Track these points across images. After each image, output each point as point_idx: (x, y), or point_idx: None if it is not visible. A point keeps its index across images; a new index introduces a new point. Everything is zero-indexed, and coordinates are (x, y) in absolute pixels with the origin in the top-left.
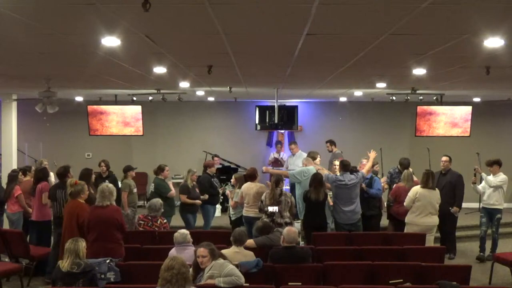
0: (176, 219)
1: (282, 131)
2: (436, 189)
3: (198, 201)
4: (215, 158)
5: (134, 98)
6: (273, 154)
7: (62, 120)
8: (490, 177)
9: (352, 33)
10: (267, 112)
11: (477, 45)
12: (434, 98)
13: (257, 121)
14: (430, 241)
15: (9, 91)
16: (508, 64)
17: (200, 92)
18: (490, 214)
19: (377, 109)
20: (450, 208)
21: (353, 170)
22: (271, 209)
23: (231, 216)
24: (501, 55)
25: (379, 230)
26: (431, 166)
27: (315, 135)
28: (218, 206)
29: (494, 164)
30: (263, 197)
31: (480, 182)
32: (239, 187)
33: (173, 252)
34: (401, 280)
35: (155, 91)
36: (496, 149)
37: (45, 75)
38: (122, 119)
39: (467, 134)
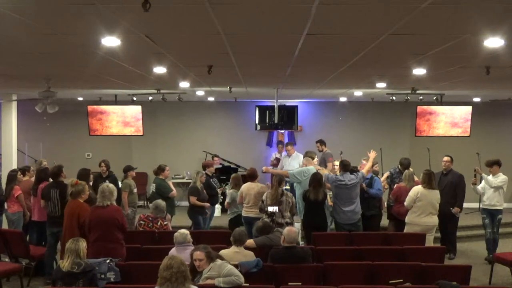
0: (177, 219)
1: (282, 131)
2: (436, 189)
3: (207, 204)
4: (215, 158)
5: (134, 98)
6: (274, 154)
7: (62, 120)
8: (490, 178)
9: (352, 33)
10: (267, 112)
11: (477, 45)
12: (434, 98)
13: (257, 121)
14: (430, 241)
15: (9, 91)
16: (508, 64)
17: (200, 92)
18: (492, 215)
19: (377, 109)
20: (451, 208)
21: (353, 170)
22: (271, 209)
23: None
24: (501, 55)
25: (379, 230)
26: (431, 166)
27: (315, 135)
28: (218, 206)
29: (494, 165)
30: (264, 197)
31: (480, 183)
32: (233, 187)
33: (173, 252)
34: (401, 280)
35: (155, 91)
36: (496, 149)
37: (45, 75)
38: (122, 119)
39: (467, 134)
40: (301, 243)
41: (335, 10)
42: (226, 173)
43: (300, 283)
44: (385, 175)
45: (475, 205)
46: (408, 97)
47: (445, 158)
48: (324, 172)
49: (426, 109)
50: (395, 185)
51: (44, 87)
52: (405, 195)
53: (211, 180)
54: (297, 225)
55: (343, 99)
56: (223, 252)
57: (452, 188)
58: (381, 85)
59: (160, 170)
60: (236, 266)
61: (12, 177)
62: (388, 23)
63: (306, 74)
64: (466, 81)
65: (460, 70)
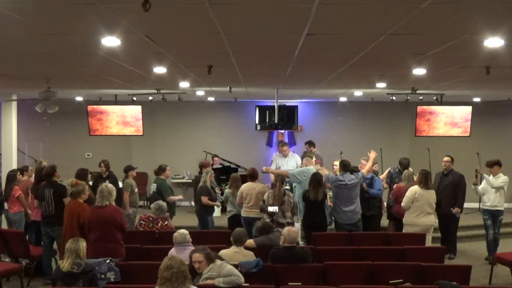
0: (177, 219)
1: (282, 131)
2: (432, 188)
3: (218, 203)
4: (215, 158)
5: (134, 98)
6: (275, 154)
7: (62, 120)
8: (491, 178)
9: (352, 33)
10: (267, 112)
11: (477, 45)
12: (434, 98)
13: (257, 121)
14: (428, 241)
15: (9, 91)
16: (508, 64)
17: (200, 92)
18: (493, 216)
19: (377, 109)
20: (452, 209)
21: (353, 170)
22: (271, 209)
23: (227, 214)
24: (501, 55)
25: (379, 230)
26: (431, 166)
27: (315, 135)
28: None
29: (495, 165)
30: (265, 197)
31: (480, 183)
32: (230, 187)
33: (172, 252)
34: (401, 280)
35: (155, 91)
36: (496, 149)
37: (45, 75)
38: (122, 119)
39: (467, 134)
40: (301, 243)
41: (335, 10)
42: (226, 173)
43: (300, 283)
44: (385, 172)
45: (475, 205)
46: (408, 97)
47: (445, 158)
48: (324, 172)
49: (426, 109)
50: (395, 185)
51: (44, 87)
52: (405, 195)
53: None
54: (297, 225)
55: (343, 99)
56: (223, 252)
57: (452, 189)
58: (381, 85)
59: (161, 170)
60: (236, 266)
61: (11, 177)
62: (388, 23)
63: (306, 74)
64: (466, 81)
65: (460, 70)
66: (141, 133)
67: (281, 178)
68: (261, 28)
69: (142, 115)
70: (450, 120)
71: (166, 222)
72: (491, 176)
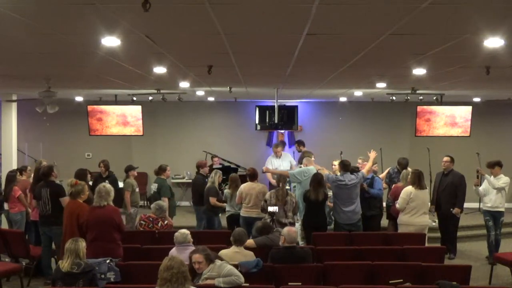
0: (177, 220)
1: (282, 131)
2: (425, 188)
3: (224, 204)
4: (215, 159)
5: (134, 98)
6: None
7: (62, 120)
8: (492, 179)
9: (352, 33)
10: (267, 112)
11: (477, 45)
12: (434, 98)
13: (257, 121)
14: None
15: (9, 91)
16: (508, 64)
17: (200, 92)
18: (495, 217)
19: (377, 109)
20: (451, 209)
21: (354, 170)
22: (271, 209)
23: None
24: (501, 55)
25: (379, 230)
26: (431, 166)
27: (315, 135)
28: None
29: (496, 166)
30: (267, 197)
31: (481, 184)
32: (230, 187)
33: (173, 252)
34: (401, 280)
35: (155, 91)
36: (496, 149)
37: (45, 75)
38: (122, 119)
39: (467, 134)
40: (301, 243)
41: (335, 10)
42: (226, 173)
43: (300, 283)
44: (384, 172)
45: (475, 205)
46: (408, 97)
47: (445, 159)
48: (325, 172)
49: (426, 109)
50: (393, 185)
51: (44, 87)
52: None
53: (206, 180)
54: (297, 225)
55: (343, 99)
56: (223, 252)
57: (452, 189)
58: (381, 85)
59: (161, 170)
60: (236, 266)
61: (11, 177)
62: (388, 23)
63: (306, 74)
64: (466, 81)
65: (460, 70)
66: (141, 133)
67: (284, 178)
68: (261, 28)
69: (142, 115)
70: (450, 120)
71: (166, 222)
72: (491, 176)
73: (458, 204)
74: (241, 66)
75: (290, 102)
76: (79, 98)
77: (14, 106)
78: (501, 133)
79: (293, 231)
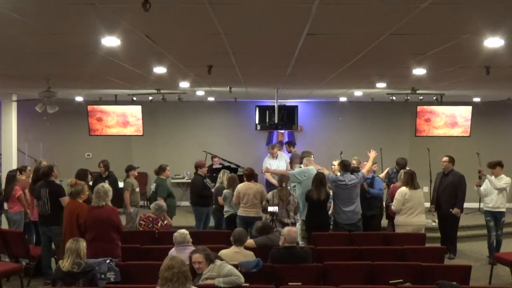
0: (177, 220)
1: (282, 131)
2: (419, 188)
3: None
4: (215, 159)
5: (134, 98)
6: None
7: (62, 120)
8: (493, 179)
9: (352, 33)
10: (267, 112)
11: (477, 45)
12: (434, 98)
13: (257, 121)
14: None
15: (9, 91)
16: (508, 64)
17: (200, 92)
18: (495, 218)
19: (377, 109)
20: (451, 210)
21: (354, 170)
22: (271, 209)
23: (224, 213)
24: (501, 55)
25: (380, 230)
26: (431, 166)
27: (315, 135)
28: None
29: (497, 166)
30: (270, 197)
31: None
32: (229, 188)
33: (173, 252)
34: (401, 280)
35: (155, 91)
36: (496, 149)
37: (45, 75)
38: (122, 119)
39: (467, 134)
40: (301, 243)
41: (335, 10)
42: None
43: (300, 283)
44: (384, 172)
45: (475, 205)
46: (408, 97)
47: (444, 159)
48: (325, 172)
49: (426, 109)
50: (391, 185)
51: (44, 87)
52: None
53: (204, 180)
54: (297, 225)
55: (343, 99)
56: (223, 252)
57: (452, 189)
58: (381, 85)
59: (161, 170)
60: (236, 266)
61: (11, 177)
62: (388, 23)
63: (306, 74)
64: (466, 81)
65: (460, 70)
66: (141, 133)
67: (286, 178)
68: (261, 28)
69: (142, 115)
70: (450, 120)
71: (166, 222)
72: (492, 177)
73: (458, 204)
74: (241, 66)
75: (290, 102)
76: (79, 98)
77: (14, 106)
78: (501, 133)
79: (293, 231)
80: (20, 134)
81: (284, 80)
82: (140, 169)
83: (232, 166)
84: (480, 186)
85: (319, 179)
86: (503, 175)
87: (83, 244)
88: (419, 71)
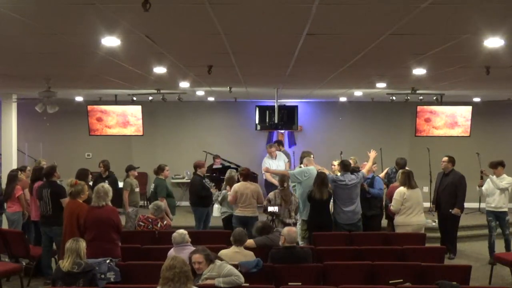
0: (176, 219)
1: (282, 131)
2: (417, 187)
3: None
4: (217, 159)
5: (134, 98)
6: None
7: (62, 120)
8: (495, 179)
9: (352, 33)
10: (267, 112)
11: (477, 45)
12: (434, 98)
13: (257, 121)
14: None
15: (9, 91)
16: (508, 64)
17: (200, 92)
18: (498, 218)
19: (377, 109)
20: (450, 210)
21: (354, 170)
22: (271, 209)
23: (219, 215)
24: (501, 55)
25: (380, 230)
26: (431, 166)
27: (315, 135)
28: (218, 207)
29: (499, 166)
30: (271, 197)
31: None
32: (226, 188)
33: (172, 252)
34: (401, 280)
35: (155, 91)
36: (496, 149)
37: (45, 75)
38: (122, 119)
39: (467, 134)
40: (301, 243)
41: (335, 10)
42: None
43: (300, 283)
44: (383, 172)
45: (475, 205)
46: (408, 97)
47: (443, 159)
48: (325, 171)
49: (426, 109)
50: (390, 185)
51: (44, 87)
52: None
53: (203, 181)
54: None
55: (343, 99)
56: (223, 252)
57: (452, 189)
58: (381, 85)
59: (160, 170)
60: (236, 266)
61: (13, 177)
62: (388, 23)
63: (306, 74)
64: (466, 81)
65: (460, 70)
66: (141, 133)
67: (288, 178)
68: (261, 28)
69: (142, 115)
70: (450, 120)
71: (165, 222)
72: (494, 176)
73: (458, 204)
74: (241, 66)
75: (290, 102)
76: (79, 98)
77: (14, 106)
78: (501, 133)
79: (293, 231)
80: (20, 134)
81: (284, 80)
82: (140, 169)
83: (232, 166)
84: (482, 186)
85: (321, 179)
86: (504, 175)
87: (83, 244)
88: (419, 71)
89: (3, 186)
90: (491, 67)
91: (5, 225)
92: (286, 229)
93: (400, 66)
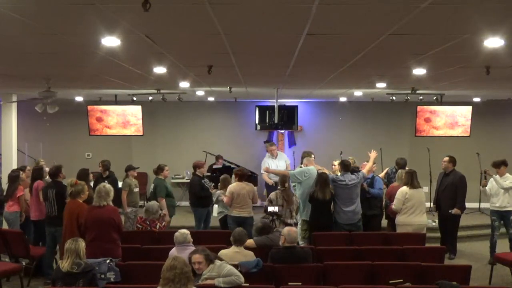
0: (177, 219)
1: (282, 131)
2: (420, 187)
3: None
4: (220, 160)
5: (134, 98)
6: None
7: (62, 120)
8: (499, 179)
9: (352, 33)
10: (267, 112)
11: (477, 45)
12: (434, 98)
13: (257, 121)
14: None
15: (9, 91)
16: (508, 64)
17: (200, 92)
18: (503, 217)
19: (377, 109)
20: (450, 211)
21: (354, 170)
22: (271, 209)
23: (217, 215)
24: (501, 55)
25: (380, 229)
26: (431, 166)
27: (315, 135)
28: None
29: (502, 165)
30: (273, 197)
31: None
32: (221, 188)
33: (173, 252)
34: (401, 280)
35: (155, 91)
36: (496, 149)
37: (45, 75)
38: (122, 119)
39: (467, 134)
40: (301, 243)
41: (335, 10)
42: (226, 173)
43: (300, 283)
44: (383, 172)
45: (475, 205)
46: (408, 97)
47: (444, 159)
48: (325, 171)
49: (426, 109)
50: (390, 185)
51: (44, 87)
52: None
53: (202, 181)
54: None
55: (343, 99)
56: (223, 252)
57: (453, 189)
58: (381, 85)
59: (159, 170)
60: (236, 266)
61: (15, 177)
62: (388, 23)
63: (306, 74)
64: (466, 81)
65: (460, 70)
66: (141, 133)
67: (288, 178)
68: (261, 28)
69: (142, 115)
70: (450, 120)
71: (163, 223)
72: (498, 176)
73: (458, 204)
74: (241, 66)
75: (290, 102)
76: (79, 98)
77: (14, 106)
78: (501, 133)
79: (293, 231)
80: (20, 134)
81: (284, 80)
82: (140, 169)
83: (232, 166)
84: (486, 186)
85: (323, 179)
86: (507, 174)
87: (82, 244)
88: (419, 71)
89: (3, 186)
90: (491, 67)
91: (4, 225)
92: (286, 229)
93: (400, 66)
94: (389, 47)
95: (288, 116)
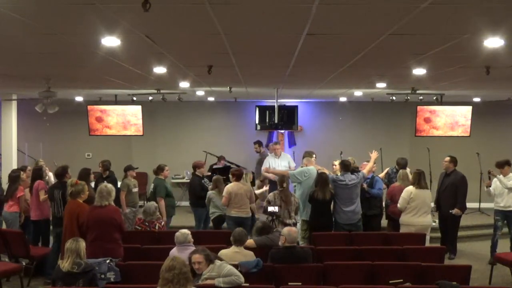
0: (177, 219)
1: (282, 131)
2: (427, 188)
3: (253, 205)
4: (221, 160)
5: (134, 98)
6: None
7: (62, 120)
8: (503, 179)
9: (352, 33)
10: (267, 112)
11: (477, 45)
12: (434, 98)
13: (257, 121)
14: (426, 242)
15: (9, 91)
16: (508, 64)
17: (200, 92)
18: (507, 217)
19: (377, 109)
20: (450, 211)
21: (354, 170)
22: (271, 209)
23: (210, 216)
24: (501, 55)
25: (380, 230)
26: (431, 166)
27: (315, 135)
28: None
29: (505, 165)
30: (271, 198)
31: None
32: (213, 189)
33: (174, 251)
34: (401, 280)
35: (155, 91)
36: (496, 149)
37: (45, 75)
38: (122, 119)
39: (467, 134)
40: (301, 243)
41: (335, 10)
42: (227, 173)
43: (300, 283)
44: (383, 172)
45: (475, 205)
46: (408, 97)
47: (445, 159)
48: (325, 172)
49: (426, 109)
50: (391, 185)
51: (44, 87)
52: (399, 194)
53: (202, 181)
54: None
55: (343, 99)
56: (223, 252)
57: (453, 189)
58: (381, 85)
59: (159, 170)
60: (236, 266)
61: (15, 178)
62: (388, 23)
63: (306, 74)
64: (466, 81)
65: (460, 70)
66: (141, 133)
67: (287, 178)
68: (261, 28)
69: (142, 115)
70: (450, 120)
71: (163, 223)
72: (501, 176)
73: (458, 204)
74: (241, 66)
75: (290, 102)
76: (79, 98)
77: (14, 106)
78: (501, 133)
79: (293, 231)
80: (20, 134)
81: (284, 80)
82: (140, 169)
83: (232, 166)
84: (489, 186)
85: (323, 179)
86: (511, 174)
87: (82, 244)
88: (419, 71)
89: (4, 186)
90: (491, 67)
91: (4, 225)
92: (286, 229)
93: (400, 66)
94: (389, 47)
95: (288, 116)
